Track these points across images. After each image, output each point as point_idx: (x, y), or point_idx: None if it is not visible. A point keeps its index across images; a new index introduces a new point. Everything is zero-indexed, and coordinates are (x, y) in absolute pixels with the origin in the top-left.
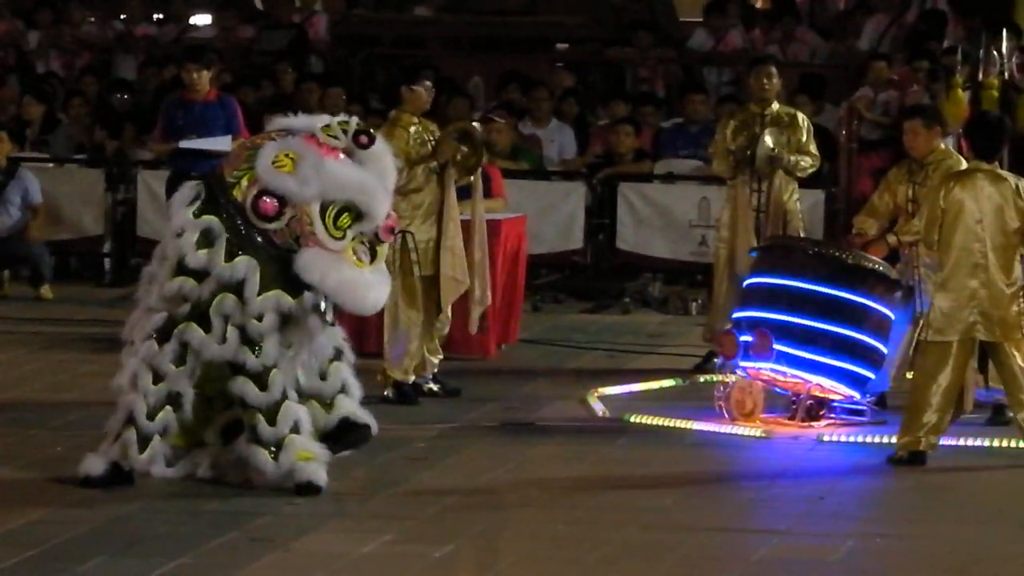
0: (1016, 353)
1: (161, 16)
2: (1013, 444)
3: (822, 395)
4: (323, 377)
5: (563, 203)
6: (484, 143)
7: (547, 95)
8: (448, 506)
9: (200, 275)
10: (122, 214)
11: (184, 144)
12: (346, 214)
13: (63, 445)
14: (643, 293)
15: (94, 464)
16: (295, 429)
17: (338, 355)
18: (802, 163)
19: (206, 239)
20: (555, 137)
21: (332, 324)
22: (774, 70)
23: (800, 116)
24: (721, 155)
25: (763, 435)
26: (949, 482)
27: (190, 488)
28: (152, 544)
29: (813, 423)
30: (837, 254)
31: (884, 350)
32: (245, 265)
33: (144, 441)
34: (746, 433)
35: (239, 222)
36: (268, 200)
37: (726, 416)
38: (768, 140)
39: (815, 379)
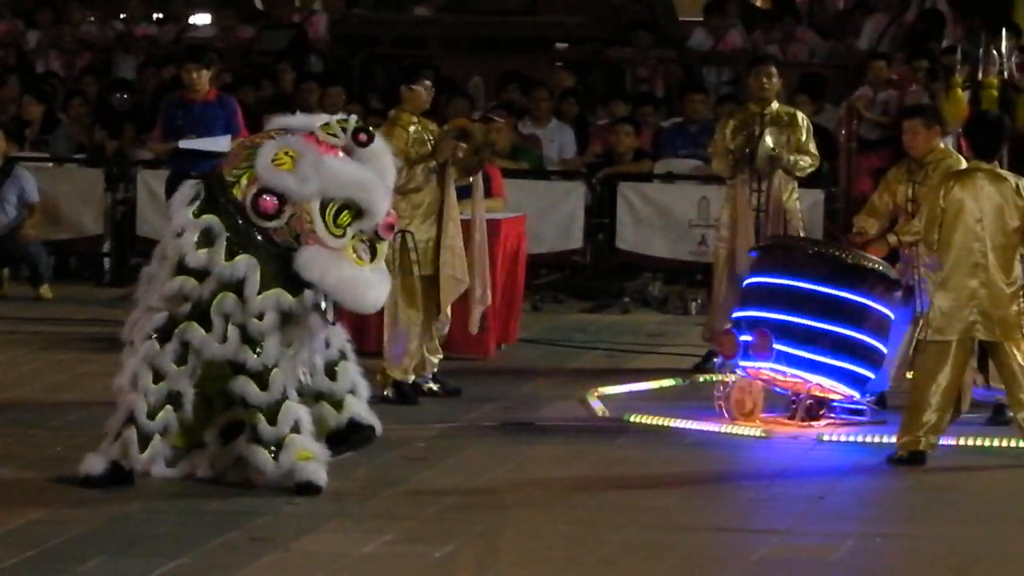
0: (1016, 353)
1: (161, 16)
2: (1013, 444)
3: (822, 395)
4: (332, 377)
5: (563, 203)
6: (485, 144)
7: (547, 95)
8: (448, 506)
9: (200, 274)
10: (122, 214)
11: (184, 144)
12: (346, 212)
13: (63, 445)
14: (643, 293)
15: (94, 463)
16: (295, 429)
17: (343, 355)
18: (802, 163)
19: (206, 238)
20: (555, 137)
21: (332, 323)
22: (774, 70)
23: (800, 116)
24: (721, 154)
25: (763, 435)
26: (949, 482)
27: (190, 488)
28: (152, 544)
29: (813, 423)
30: (837, 254)
31: (884, 350)
32: (245, 264)
33: (145, 440)
34: (746, 433)
35: (239, 221)
36: (268, 198)
37: (726, 416)
38: (768, 140)
39: (815, 379)
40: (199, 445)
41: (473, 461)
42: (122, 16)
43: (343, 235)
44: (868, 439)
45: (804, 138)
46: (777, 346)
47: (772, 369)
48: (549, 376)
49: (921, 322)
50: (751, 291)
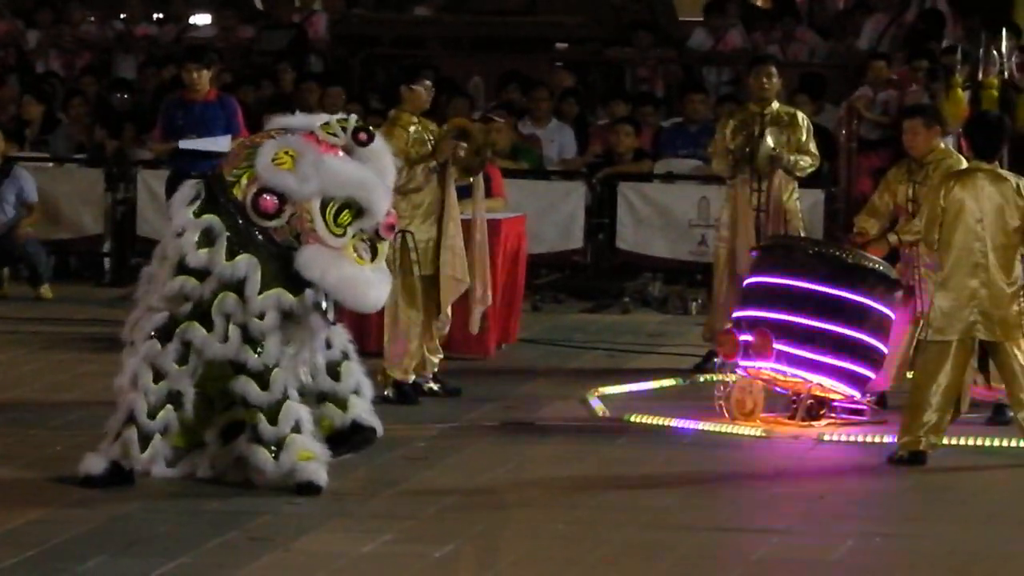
0: (1017, 352)
1: (161, 16)
2: (1013, 444)
3: (822, 395)
4: (336, 377)
5: (563, 203)
6: (486, 144)
7: (547, 95)
8: (448, 506)
9: (201, 274)
10: (122, 213)
11: (184, 144)
12: (346, 211)
13: (63, 445)
14: (643, 293)
15: (94, 463)
16: (296, 428)
17: (345, 355)
18: (802, 162)
19: (207, 238)
20: (555, 137)
21: (333, 323)
22: (774, 70)
23: (800, 115)
24: (721, 154)
25: (763, 435)
26: (949, 482)
27: (190, 488)
28: (152, 544)
29: (813, 423)
30: (837, 253)
31: (884, 350)
32: (246, 263)
33: (145, 440)
34: (746, 433)
35: (239, 221)
36: (268, 198)
37: (726, 416)
38: (769, 140)
39: (815, 379)
40: (199, 445)
41: (473, 461)
42: (122, 16)
43: (343, 234)
44: (868, 439)
45: (804, 138)
46: (777, 346)
47: (772, 369)
48: (549, 376)
49: (921, 322)
50: (751, 291)
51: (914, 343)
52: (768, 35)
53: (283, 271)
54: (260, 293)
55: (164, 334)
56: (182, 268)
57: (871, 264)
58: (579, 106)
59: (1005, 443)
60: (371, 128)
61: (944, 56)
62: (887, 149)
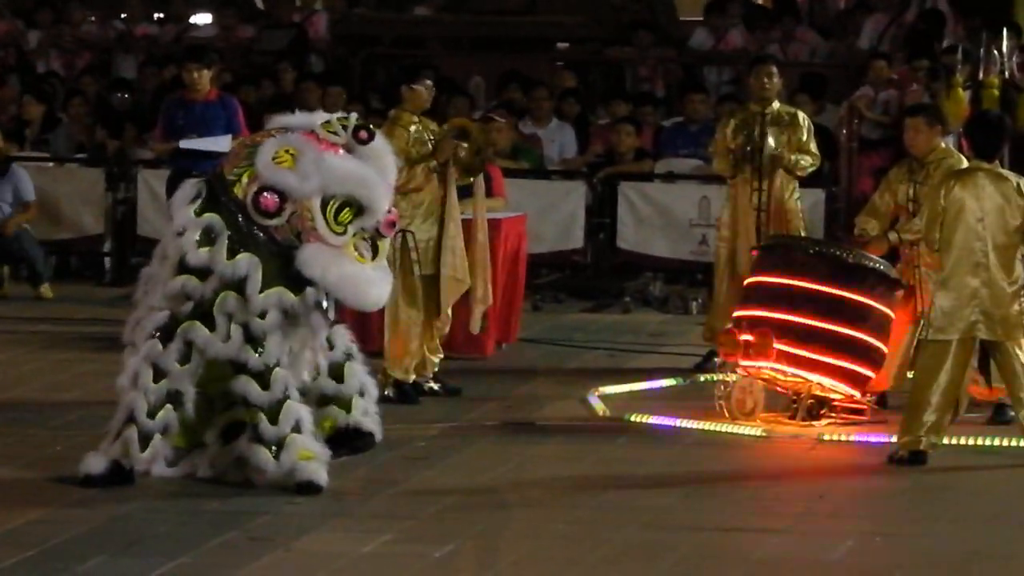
0: (1018, 352)
1: (161, 16)
2: (1013, 444)
3: (822, 394)
4: (340, 379)
5: (563, 202)
6: (487, 144)
7: (547, 95)
8: (448, 506)
9: (202, 273)
10: (122, 213)
11: (184, 144)
12: (347, 209)
13: (63, 445)
14: (643, 292)
15: (94, 463)
16: (297, 428)
17: (348, 356)
18: (802, 162)
19: (207, 237)
20: (555, 136)
21: (334, 321)
22: (774, 69)
23: (800, 115)
24: (721, 154)
25: (763, 435)
26: (949, 482)
27: (190, 488)
28: (152, 544)
29: (813, 423)
30: (838, 253)
31: (884, 350)
32: (247, 262)
33: (145, 439)
34: (746, 433)
35: (240, 219)
36: (269, 196)
37: (726, 415)
38: (770, 140)
39: (815, 378)
40: (200, 445)
41: (473, 461)
42: (122, 16)
43: (344, 233)
44: (868, 439)
45: (805, 138)
46: (778, 346)
47: (773, 369)
48: (549, 376)
49: (922, 322)
50: (752, 291)
51: (914, 343)
52: (768, 35)
53: (284, 270)
54: (261, 292)
55: (165, 333)
56: (183, 267)
57: (871, 263)
58: (580, 106)
59: (1005, 443)
60: (371, 126)
61: (945, 56)
62: (888, 149)
